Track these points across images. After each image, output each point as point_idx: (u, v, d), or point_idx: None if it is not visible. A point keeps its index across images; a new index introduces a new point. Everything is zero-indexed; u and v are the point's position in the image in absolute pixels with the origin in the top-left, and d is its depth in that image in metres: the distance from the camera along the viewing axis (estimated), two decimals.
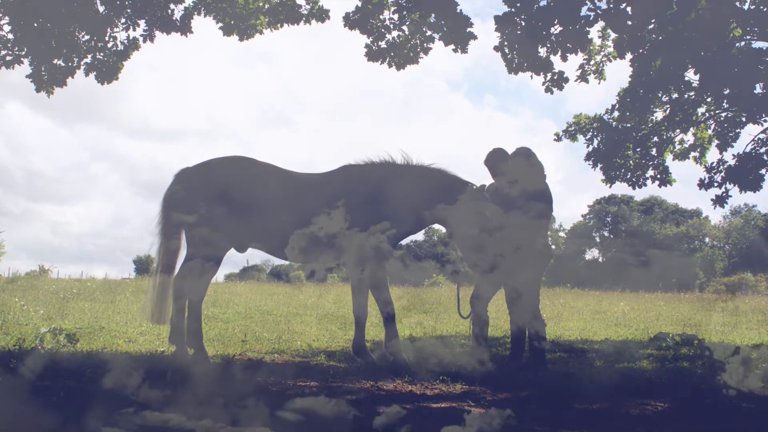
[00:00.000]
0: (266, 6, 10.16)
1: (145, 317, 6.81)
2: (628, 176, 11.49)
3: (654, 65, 9.77)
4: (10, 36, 9.06)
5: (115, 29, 9.55)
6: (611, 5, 9.15)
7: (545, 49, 9.40)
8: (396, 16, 9.98)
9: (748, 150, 10.72)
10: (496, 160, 6.87)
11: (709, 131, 11.65)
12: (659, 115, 11.28)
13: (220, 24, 10.09)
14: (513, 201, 6.40)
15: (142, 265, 37.31)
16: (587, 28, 9.19)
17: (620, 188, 58.46)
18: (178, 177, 6.51)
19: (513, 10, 9.14)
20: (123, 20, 9.50)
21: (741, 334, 10.98)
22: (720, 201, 10.59)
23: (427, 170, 6.70)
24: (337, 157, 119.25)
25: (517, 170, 6.54)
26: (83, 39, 9.46)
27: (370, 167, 6.70)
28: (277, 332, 9.12)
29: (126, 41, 9.69)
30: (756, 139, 10.74)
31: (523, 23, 9.20)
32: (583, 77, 11.38)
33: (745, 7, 9.45)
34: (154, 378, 4.67)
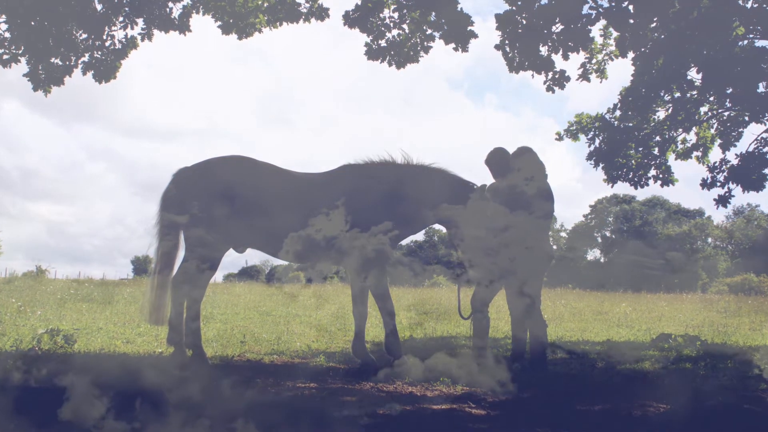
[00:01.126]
0: (265, 4, 10.09)
1: (144, 318, 6.75)
2: (630, 176, 11.40)
3: (656, 64, 9.70)
4: (7, 34, 8.99)
5: (113, 28, 9.47)
6: (613, 3, 9.07)
7: (546, 47, 9.34)
8: (396, 15, 9.90)
9: (751, 149, 10.63)
10: (497, 159, 6.82)
11: (712, 130, 11.57)
12: (661, 114, 11.20)
13: (219, 22, 10.02)
14: (515, 201, 6.33)
15: (140, 266, 37.29)
16: (589, 27, 9.13)
17: (622, 188, 58.60)
18: (176, 177, 6.45)
19: (514, 8, 9.09)
20: (121, 19, 9.42)
21: None
22: (723, 201, 10.50)
23: (430, 170, 6.65)
24: (337, 156, 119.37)
25: (529, 168, 6.48)
26: (81, 37, 9.39)
27: (374, 167, 6.63)
28: (276, 333, 9.07)
29: (124, 40, 9.61)
30: (759, 138, 10.65)
31: (525, 21, 9.14)
32: (584, 76, 11.30)
33: (748, 5, 9.38)
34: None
